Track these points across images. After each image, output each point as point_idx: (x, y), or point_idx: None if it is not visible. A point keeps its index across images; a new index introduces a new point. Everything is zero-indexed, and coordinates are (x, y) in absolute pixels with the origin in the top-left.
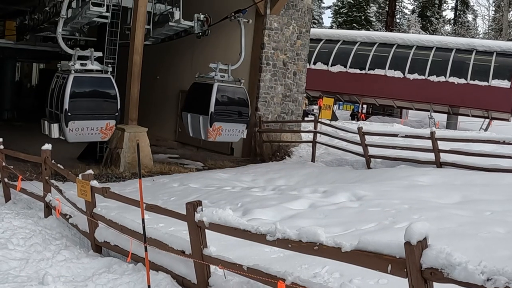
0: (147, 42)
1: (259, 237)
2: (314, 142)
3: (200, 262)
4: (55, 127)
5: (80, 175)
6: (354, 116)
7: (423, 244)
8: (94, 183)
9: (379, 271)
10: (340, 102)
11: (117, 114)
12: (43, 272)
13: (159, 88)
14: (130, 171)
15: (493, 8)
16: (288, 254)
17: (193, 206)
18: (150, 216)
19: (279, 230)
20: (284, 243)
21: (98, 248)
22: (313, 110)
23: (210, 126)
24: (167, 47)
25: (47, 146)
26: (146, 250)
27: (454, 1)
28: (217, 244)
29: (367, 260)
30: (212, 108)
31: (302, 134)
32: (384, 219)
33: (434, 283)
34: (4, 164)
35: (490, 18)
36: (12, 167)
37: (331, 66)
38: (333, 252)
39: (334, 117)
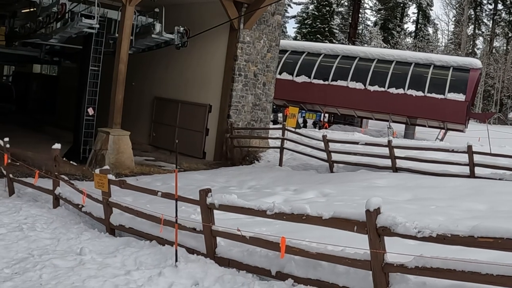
0: (129, 51)
1: (261, 213)
2: (281, 148)
3: (209, 236)
4: None
5: (97, 170)
6: (315, 124)
7: (377, 211)
8: (111, 176)
9: (349, 230)
10: (303, 111)
11: None
12: (76, 247)
13: (135, 94)
14: (114, 171)
15: (453, 23)
16: (276, 232)
17: (205, 192)
18: (150, 206)
19: (276, 207)
20: (280, 215)
21: (112, 231)
22: (278, 118)
23: None
24: (143, 55)
25: (57, 146)
26: (176, 222)
27: (416, 15)
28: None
29: (340, 224)
30: None
31: (270, 140)
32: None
33: (385, 237)
34: (9, 161)
35: (450, 32)
36: (18, 163)
37: (296, 76)
38: (316, 220)
39: (297, 125)
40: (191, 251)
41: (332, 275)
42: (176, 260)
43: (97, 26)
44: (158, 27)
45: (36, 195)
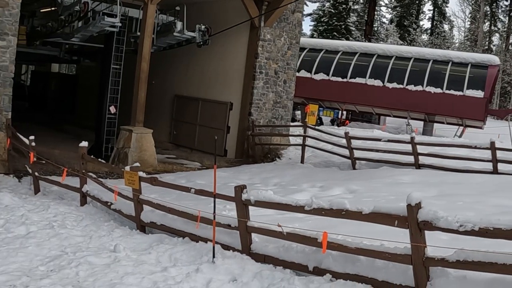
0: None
1: (298, 208)
2: (303, 145)
3: (245, 232)
4: None
5: (127, 167)
6: (333, 122)
7: (418, 205)
8: (141, 173)
9: (389, 225)
10: (321, 108)
11: None
12: (108, 244)
13: (155, 92)
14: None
15: (469, 20)
16: (309, 228)
17: (241, 188)
18: (179, 203)
19: (314, 202)
20: (318, 211)
21: (143, 228)
22: (296, 116)
23: None
24: (163, 54)
25: (84, 143)
26: (214, 218)
27: (431, 12)
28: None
29: (381, 218)
30: None
31: (290, 137)
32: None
33: (426, 231)
34: (35, 159)
35: (466, 29)
36: (44, 161)
37: (314, 74)
38: (356, 215)
39: (316, 123)
40: (225, 247)
41: (370, 269)
42: (214, 256)
43: (119, 24)
44: (179, 25)
45: (62, 193)
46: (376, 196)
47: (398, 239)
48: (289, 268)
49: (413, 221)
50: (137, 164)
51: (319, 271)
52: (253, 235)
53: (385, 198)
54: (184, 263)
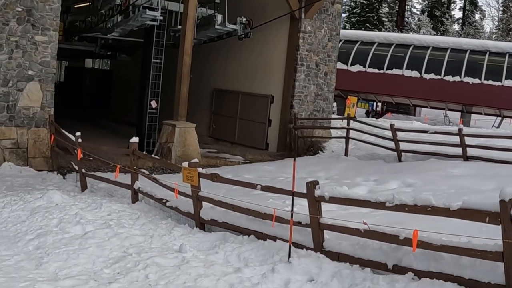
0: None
1: (379, 205)
2: (347, 138)
3: (317, 229)
4: None
5: (186, 163)
6: (368, 114)
7: None
8: (201, 170)
9: (479, 221)
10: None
11: None
12: (171, 243)
13: (193, 86)
14: (182, 164)
15: (501, 9)
16: (377, 225)
17: (313, 184)
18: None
19: (396, 198)
20: (401, 207)
21: (202, 225)
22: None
23: None
24: (201, 47)
25: (135, 139)
26: (292, 217)
27: (463, 1)
28: None
29: (471, 215)
30: None
31: (332, 130)
32: (440, 199)
33: None
34: (82, 156)
35: (499, 18)
36: (92, 158)
37: (351, 65)
38: (443, 211)
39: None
40: (295, 245)
41: (456, 267)
42: (289, 256)
43: (161, 18)
44: (219, 18)
45: (110, 189)
46: (436, 189)
47: (472, 234)
48: (366, 266)
49: (506, 217)
50: (196, 160)
51: (399, 269)
52: (324, 232)
53: (446, 192)
54: (256, 263)
